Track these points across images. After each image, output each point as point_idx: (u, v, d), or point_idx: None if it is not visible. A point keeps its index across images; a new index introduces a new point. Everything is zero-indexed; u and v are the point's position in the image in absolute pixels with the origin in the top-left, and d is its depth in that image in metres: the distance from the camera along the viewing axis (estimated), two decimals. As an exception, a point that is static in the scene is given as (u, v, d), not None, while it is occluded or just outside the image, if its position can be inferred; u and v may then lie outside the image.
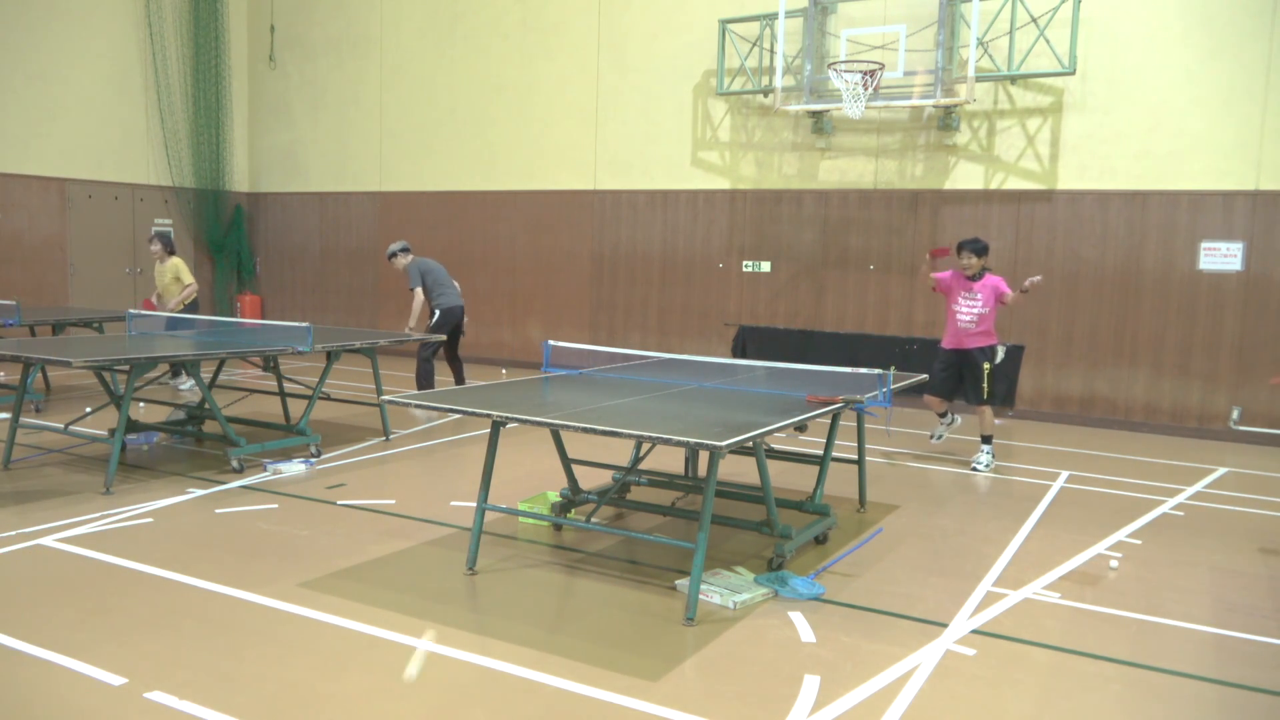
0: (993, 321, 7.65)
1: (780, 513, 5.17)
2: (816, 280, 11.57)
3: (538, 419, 4.47)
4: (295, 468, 6.96)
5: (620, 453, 7.12)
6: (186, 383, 10.58)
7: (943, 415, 8.20)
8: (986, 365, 7.50)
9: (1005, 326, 10.58)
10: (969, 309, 7.63)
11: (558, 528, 5.67)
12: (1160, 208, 9.91)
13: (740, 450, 4.43)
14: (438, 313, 9.77)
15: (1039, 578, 5.07)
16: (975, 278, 7.62)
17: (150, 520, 5.60)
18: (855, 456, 6.42)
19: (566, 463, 5.63)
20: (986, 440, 7.80)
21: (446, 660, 3.83)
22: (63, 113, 13.27)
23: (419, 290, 9.68)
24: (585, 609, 4.51)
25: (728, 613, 4.42)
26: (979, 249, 7.60)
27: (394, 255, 9.97)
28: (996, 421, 10.20)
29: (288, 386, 8.39)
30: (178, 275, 10.42)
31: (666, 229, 12.48)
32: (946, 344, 7.80)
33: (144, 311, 9.47)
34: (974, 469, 7.72)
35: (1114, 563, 5.38)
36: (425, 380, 9.72)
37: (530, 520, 5.72)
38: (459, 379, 10.15)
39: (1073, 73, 9.75)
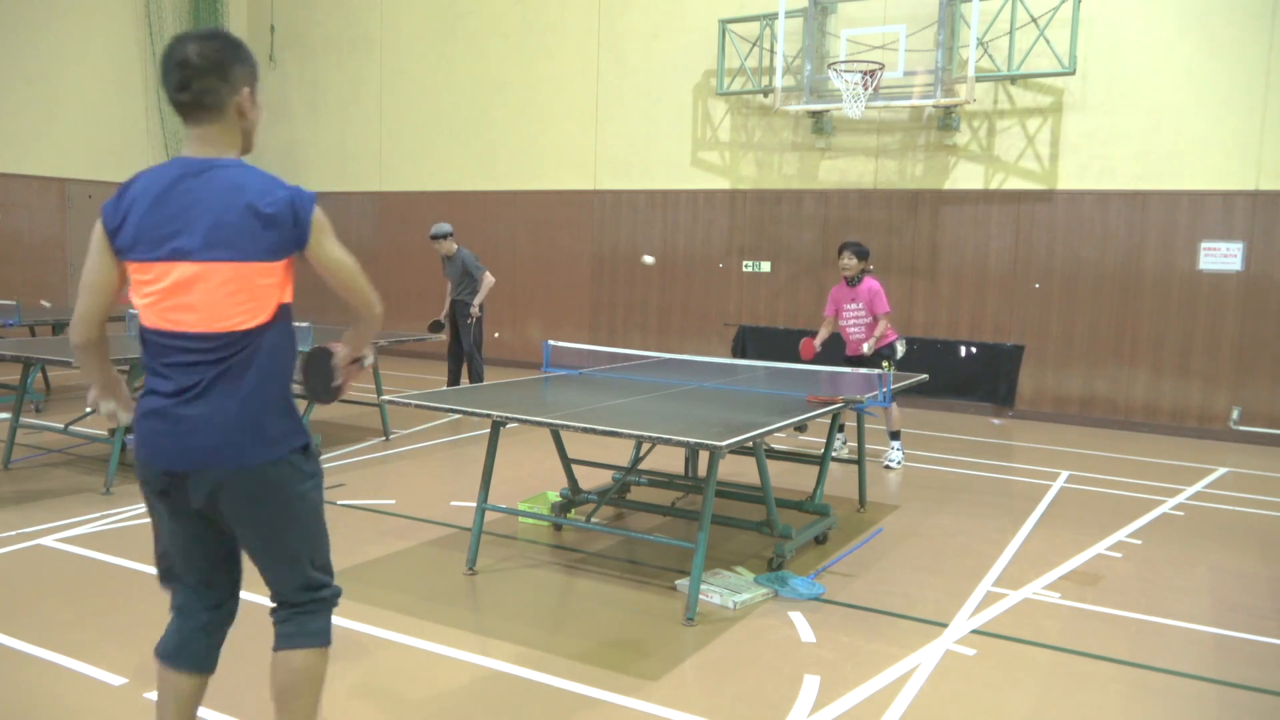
0: (880, 323, 7.62)
1: (780, 513, 5.17)
2: (816, 280, 11.55)
3: (538, 419, 4.47)
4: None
5: (620, 453, 7.12)
6: None
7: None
8: (885, 364, 7.48)
9: (1006, 326, 10.60)
10: (855, 318, 7.71)
11: (558, 528, 5.67)
12: (1160, 208, 9.90)
13: (740, 450, 4.43)
14: (484, 307, 9.73)
15: (1039, 578, 5.07)
16: (854, 282, 7.67)
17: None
18: (855, 456, 6.42)
19: (566, 463, 5.63)
20: (895, 436, 7.82)
21: (446, 660, 3.83)
22: (62, 113, 13.27)
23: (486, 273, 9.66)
24: (585, 609, 4.51)
25: (728, 613, 4.42)
26: (860, 251, 7.65)
27: (449, 236, 9.62)
28: (995, 421, 10.28)
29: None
30: None
31: (666, 229, 12.48)
32: (849, 352, 7.76)
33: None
34: (886, 466, 7.70)
35: None
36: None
37: (530, 520, 5.72)
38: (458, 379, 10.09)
39: (1073, 73, 9.74)
